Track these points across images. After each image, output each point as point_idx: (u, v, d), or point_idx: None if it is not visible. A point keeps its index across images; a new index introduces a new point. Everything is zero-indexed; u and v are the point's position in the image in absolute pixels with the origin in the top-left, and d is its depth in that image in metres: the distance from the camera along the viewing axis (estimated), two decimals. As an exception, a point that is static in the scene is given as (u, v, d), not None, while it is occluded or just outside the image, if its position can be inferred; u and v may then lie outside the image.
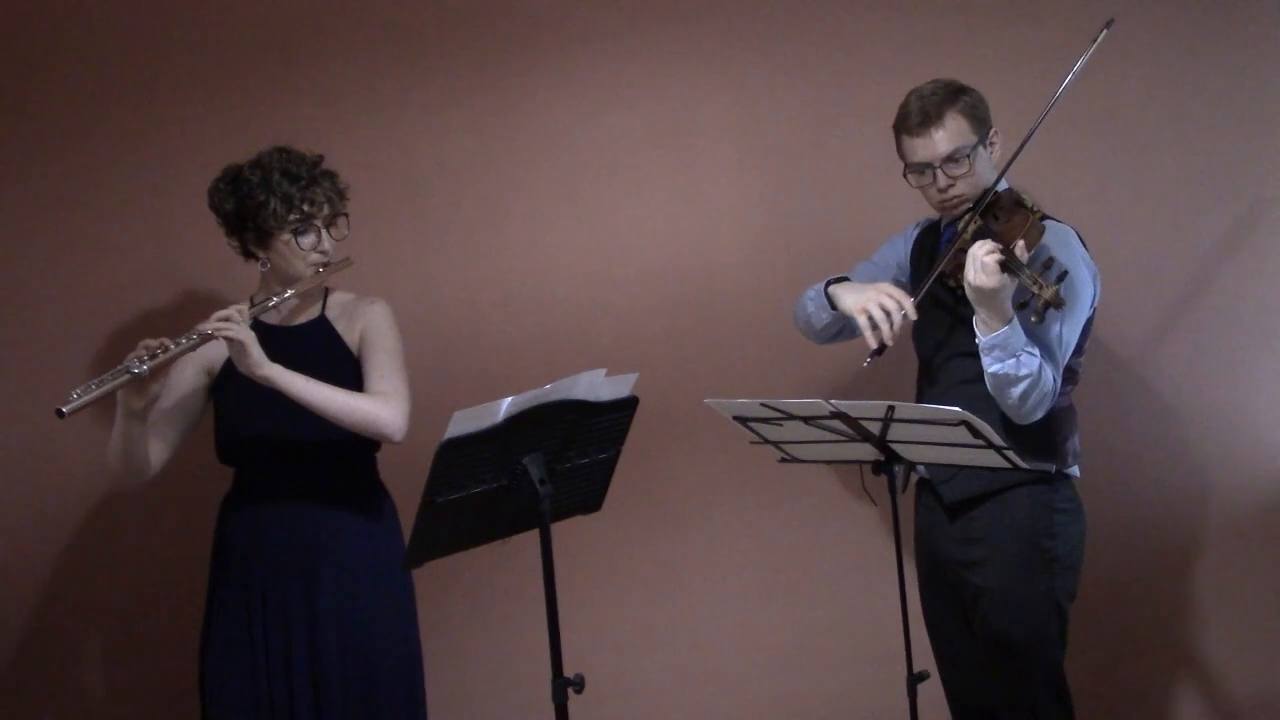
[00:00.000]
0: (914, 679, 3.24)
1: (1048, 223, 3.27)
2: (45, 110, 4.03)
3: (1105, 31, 3.26)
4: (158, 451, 3.39)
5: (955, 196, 3.31)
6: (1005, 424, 3.22)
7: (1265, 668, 3.96)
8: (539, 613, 2.96)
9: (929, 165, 3.30)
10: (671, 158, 4.07)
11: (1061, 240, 3.28)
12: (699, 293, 4.05)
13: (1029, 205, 3.23)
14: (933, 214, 3.55)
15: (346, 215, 3.44)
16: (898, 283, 3.47)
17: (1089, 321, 3.34)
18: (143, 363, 3.15)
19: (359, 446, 3.42)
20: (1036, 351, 3.15)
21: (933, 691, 3.44)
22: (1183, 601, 3.99)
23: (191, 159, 3.98)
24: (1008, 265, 3.07)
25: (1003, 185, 3.31)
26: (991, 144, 3.35)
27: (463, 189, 4.08)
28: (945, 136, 3.28)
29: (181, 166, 3.99)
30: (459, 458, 2.84)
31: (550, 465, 2.97)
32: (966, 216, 3.30)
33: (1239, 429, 3.93)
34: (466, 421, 2.82)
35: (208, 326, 3.19)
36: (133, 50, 4.04)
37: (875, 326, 3.24)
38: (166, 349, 3.17)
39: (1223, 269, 3.93)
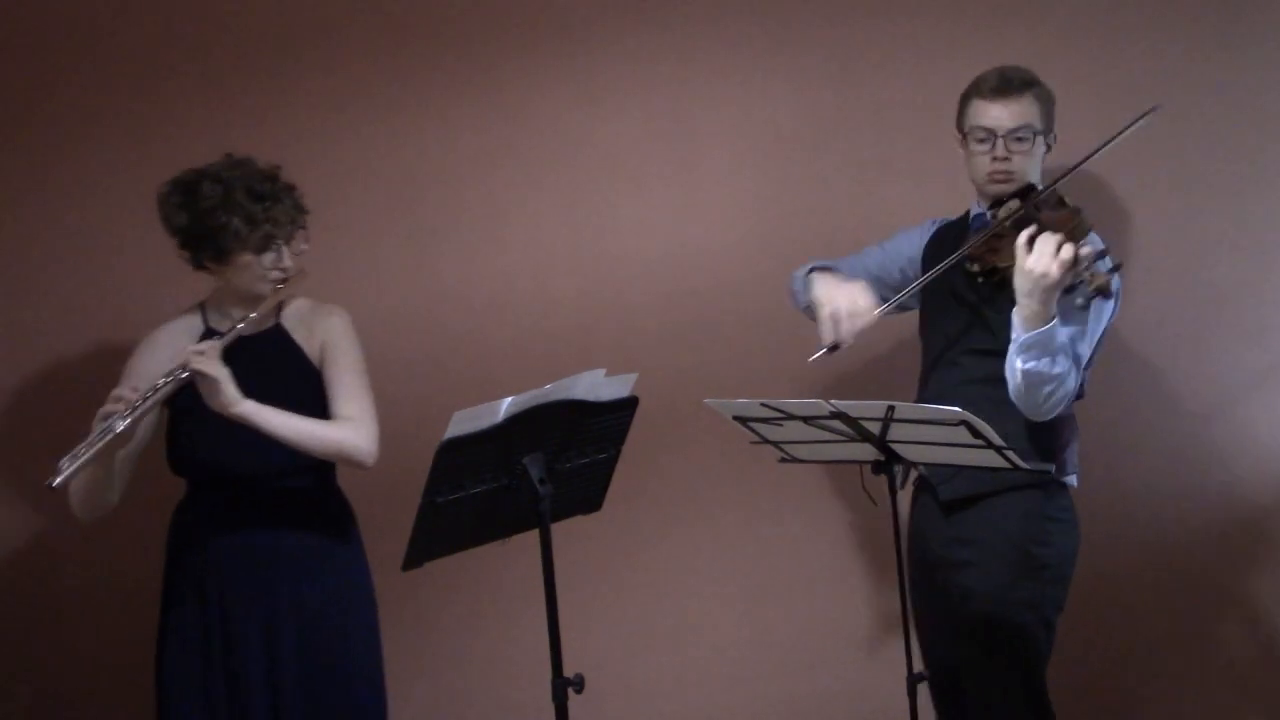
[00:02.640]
0: (914, 679, 3.24)
1: (1091, 234, 3.24)
2: (46, 111, 4.03)
3: (1150, 115, 3.27)
4: (120, 485, 3.28)
5: (1006, 171, 3.31)
6: (1004, 428, 3.18)
7: (1269, 672, 3.96)
8: (539, 613, 2.96)
9: (993, 133, 3.30)
10: (671, 158, 4.07)
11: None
12: (699, 292, 4.05)
13: (1071, 205, 3.20)
14: (950, 215, 3.54)
15: (305, 228, 3.32)
16: (903, 274, 3.48)
17: (1103, 335, 3.33)
18: (123, 418, 3.06)
19: (319, 464, 3.32)
20: (1069, 351, 3.14)
21: (933, 691, 3.44)
22: (1180, 604, 3.99)
23: (192, 159, 3.95)
24: (1074, 259, 3.03)
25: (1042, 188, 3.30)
26: (1049, 145, 3.36)
27: (463, 189, 4.08)
28: (1020, 110, 3.30)
29: (182, 167, 3.96)
30: (459, 458, 2.84)
31: (550, 465, 2.97)
32: (1007, 204, 3.27)
33: (1238, 429, 3.93)
34: (466, 421, 2.83)
35: (181, 367, 3.10)
36: (134, 50, 4.04)
37: (836, 322, 3.25)
38: (144, 398, 3.08)
39: (1223, 269, 3.93)
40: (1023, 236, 3.08)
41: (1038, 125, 3.32)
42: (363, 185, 4.04)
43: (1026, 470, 3.10)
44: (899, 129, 3.95)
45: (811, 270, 3.47)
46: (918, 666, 3.28)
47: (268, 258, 3.26)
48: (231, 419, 3.13)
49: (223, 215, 3.21)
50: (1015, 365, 3.14)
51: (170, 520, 3.38)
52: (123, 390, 3.12)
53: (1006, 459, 3.04)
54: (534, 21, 4.07)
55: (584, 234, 4.08)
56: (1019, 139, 3.30)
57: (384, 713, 3.40)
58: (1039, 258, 3.04)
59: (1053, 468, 3.30)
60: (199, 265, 3.32)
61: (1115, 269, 3.06)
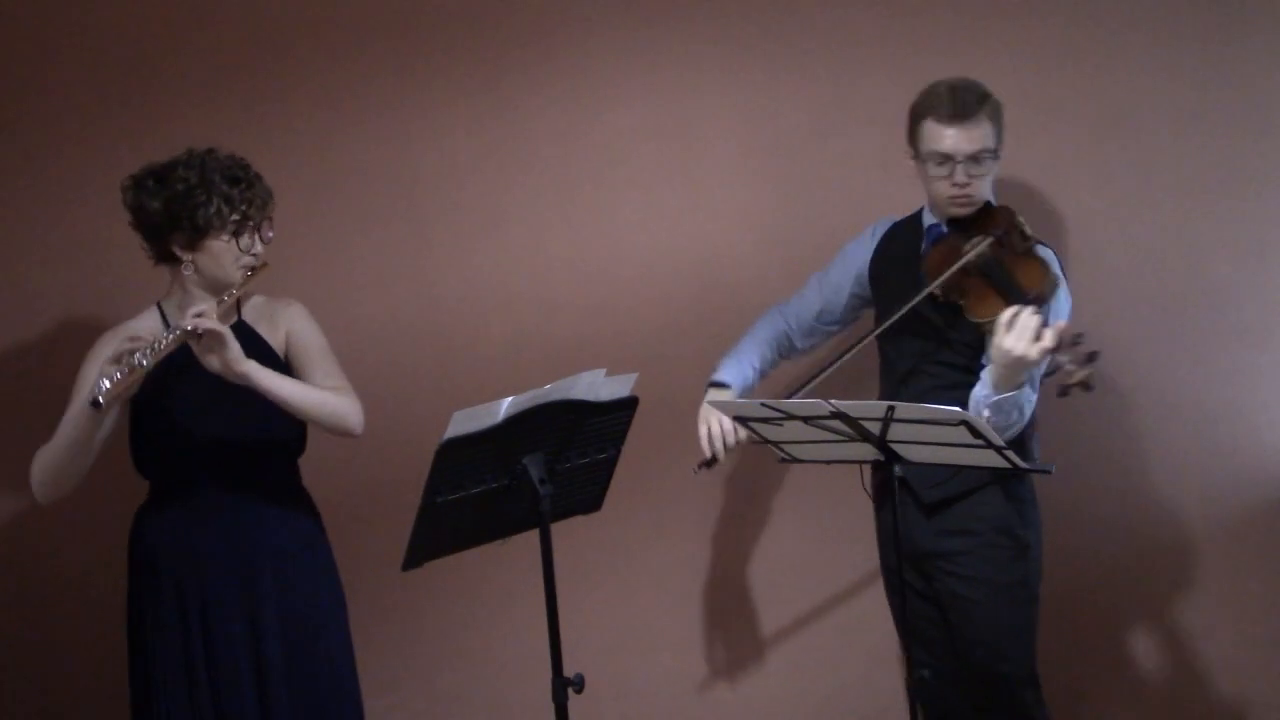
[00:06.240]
0: (914, 679, 3.24)
1: (1038, 248, 3.29)
2: (45, 110, 4.03)
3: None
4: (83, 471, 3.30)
5: (967, 195, 3.30)
6: None
7: (1261, 667, 3.96)
8: (539, 613, 2.96)
9: (951, 158, 3.28)
10: (671, 156, 4.07)
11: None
12: (699, 292, 4.05)
13: (1039, 256, 3.22)
14: (894, 215, 3.56)
15: (272, 218, 3.35)
16: (854, 297, 3.56)
17: None
18: (145, 356, 3.09)
19: (285, 452, 3.38)
20: (1033, 399, 3.22)
21: (933, 691, 3.44)
22: (1179, 601, 3.99)
23: (191, 159, 3.99)
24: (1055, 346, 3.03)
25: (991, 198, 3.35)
26: (999, 155, 3.35)
27: (463, 189, 4.08)
28: (977, 134, 3.27)
29: (181, 166, 3.99)
30: (459, 458, 2.84)
31: (550, 465, 2.98)
32: (974, 238, 3.27)
33: (1238, 428, 3.93)
34: (466, 421, 2.83)
35: (187, 323, 3.12)
36: (132, 50, 4.04)
37: (710, 441, 3.39)
38: (157, 344, 3.11)
39: (1223, 269, 3.93)
40: (1005, 315, 3.06)
41: (993, 144, 3.29)
42: (362, 185, 4.04)
43: (1025, 470, 3.14)
44: (899, 129, 3.93)
45: (711, 384, 3.53)
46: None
47: (243, 241, 3.29)
48: (235, 379, 3.16)
49: (201, 195, 3.24)
50: (982, 410, 3.17)
51: (134, 524, 3.38)
52: (128, 339, 3.13)
53: (1007, 459, 3.05)
54: (534, 21, 4.07)
55: (584, 234, 4.08)
56: (977, 163, 3.28)
57: (359, 697, 3.46)
58: (1018, 340, 3.03)
59: (1054, 468, 3.30)
60: (162, 257, 3.33)
61: (1092, 357, 3.02)
